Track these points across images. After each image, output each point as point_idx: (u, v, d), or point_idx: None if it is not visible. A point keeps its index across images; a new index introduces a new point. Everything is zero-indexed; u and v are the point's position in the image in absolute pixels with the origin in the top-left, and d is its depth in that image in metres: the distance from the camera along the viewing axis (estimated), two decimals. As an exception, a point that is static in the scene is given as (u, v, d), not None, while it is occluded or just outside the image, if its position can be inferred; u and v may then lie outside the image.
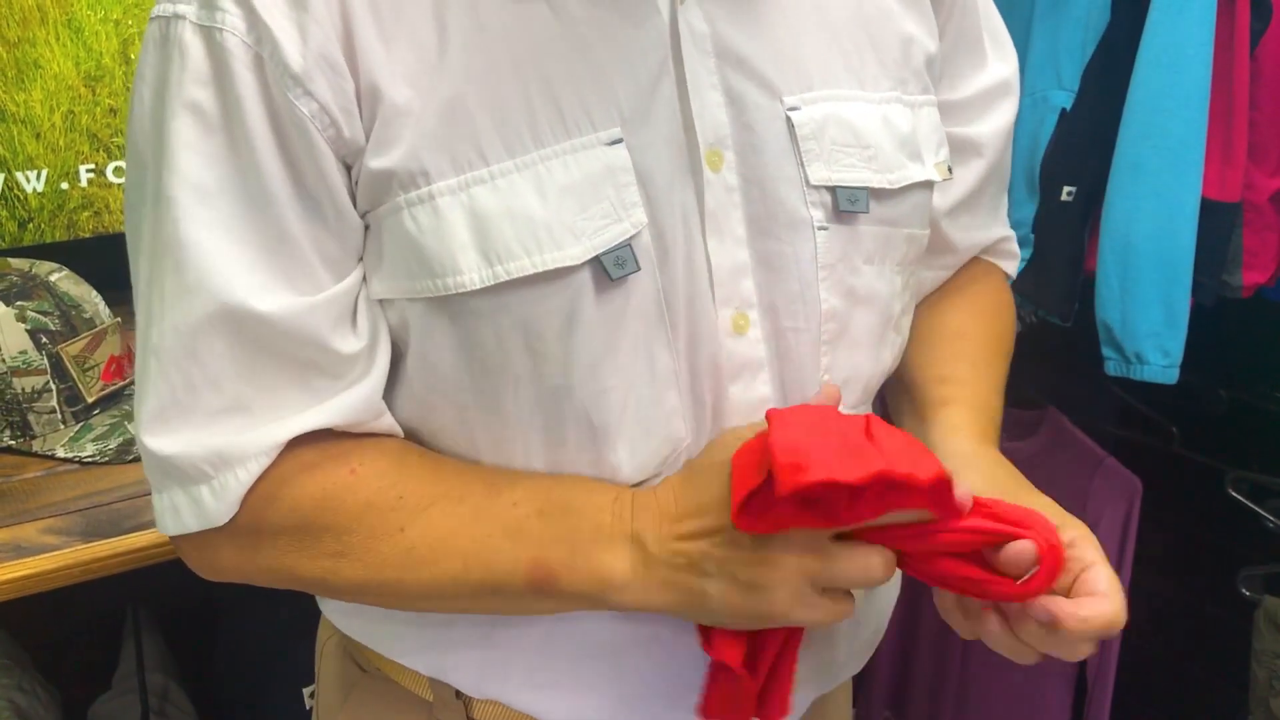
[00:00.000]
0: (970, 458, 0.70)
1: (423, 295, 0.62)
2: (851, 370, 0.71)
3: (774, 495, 0.54)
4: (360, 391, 0.63)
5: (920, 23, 0.74)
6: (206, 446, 0.61)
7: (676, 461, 0.67)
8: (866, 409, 0.75)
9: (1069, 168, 1.45)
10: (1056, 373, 1.68)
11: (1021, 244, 1.52)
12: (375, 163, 0.60)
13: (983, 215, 0.85)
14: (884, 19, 0.71)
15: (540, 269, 0.60)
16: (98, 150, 1.48)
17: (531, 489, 0.64)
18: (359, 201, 0.62)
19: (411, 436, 0.68)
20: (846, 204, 0.68)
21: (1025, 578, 0.58)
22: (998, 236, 0.87)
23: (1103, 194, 1.39)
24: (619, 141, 0.62)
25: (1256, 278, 1.42)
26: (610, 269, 0.61)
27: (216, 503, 0.62)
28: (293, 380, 0.62)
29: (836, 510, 0.57)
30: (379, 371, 0.64)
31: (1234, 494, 1.46)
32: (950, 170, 0.75)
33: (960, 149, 0.80)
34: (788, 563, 0.59)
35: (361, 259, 0.64)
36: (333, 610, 0.78)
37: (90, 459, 1.16)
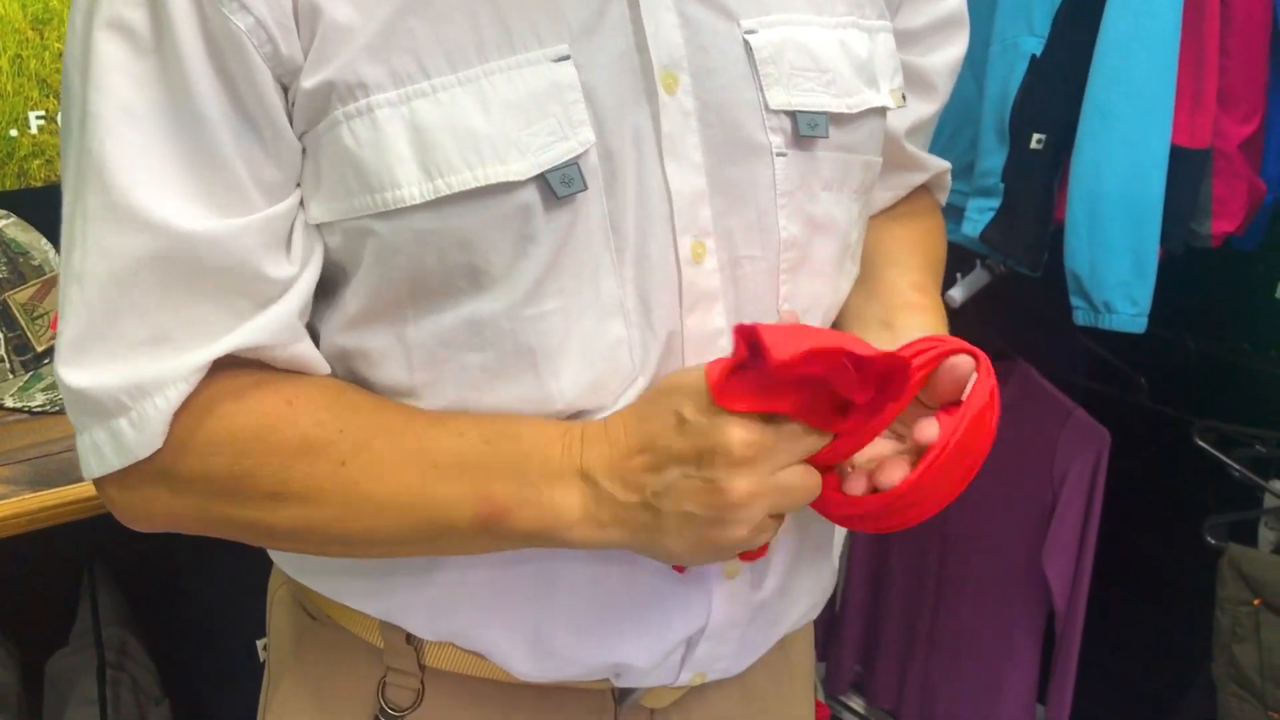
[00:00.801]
0: None
1: (362, 213, 0.60)
2: (811, 300, 0.69)
3: (766, 365, 0.53)
4: (281, 310, 0.61)
5: None
6: (124, 376, 0.58)
7: (627, 397, 0.65)
8: None
9: (1039, 115, 1.43)
10: (1025, 324, 1.67)
11: (990, 193, 1.51)
12: (312, 79, 0.58)
13: (927, 145, 0.85)
14: None
15: (482, 183, 0.58)
16: (48, 96, 1.44)
17: (477, 419, 0.62)
18: (296, 122, 0.60)
19: (348, 361, 0.66)
20: (807, 129, 0.66)
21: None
22: (946, 165, 0.88)
23: (1072, 141, 1.38)
24: (566, 58, 0.60)
25: (1225, 226, 1.41)
26: (556, 186, 0.59)
27: (137, 434, 0.59)
28: (218, 305, 0.59)
29: (818, 400, 0.56)
30: (301, 292, 0.62)
31: (1201, 443, 1.46)
32: (904, 98, 0.74)
33: (913, 81, 0.79)
34: (745, 489, 0.57)
35: (300, 183, 0.62)
36: (282, 557, 0.76)
37: (40, 408, 1.13)
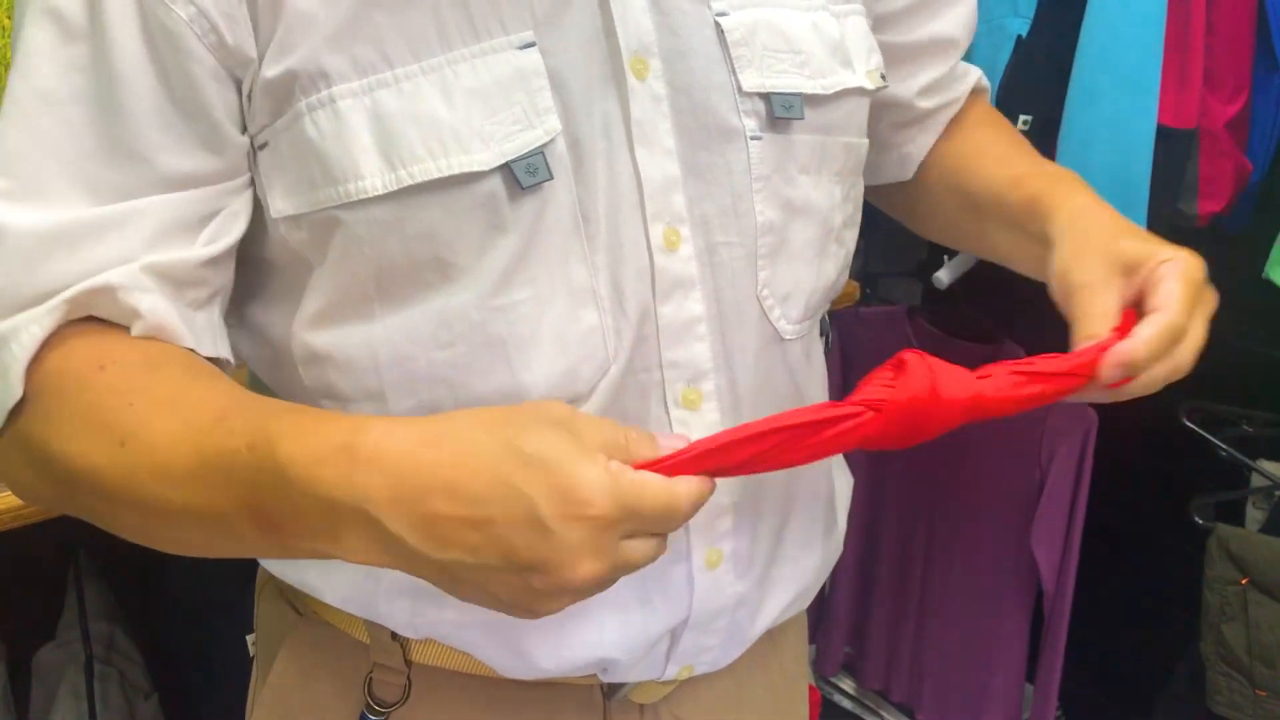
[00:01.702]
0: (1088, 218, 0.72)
1: (327, 205, 0.59)
2: (792, 285, 0.69)
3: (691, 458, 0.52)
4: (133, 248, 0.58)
5: None
6: None
7: (604, 385, 0.64)
8: (813, 325, 0.74)
9: (1026, 96, 1.43)
10: (1012, 305, 1.67)
11: (978, 175, 1.51)
12: (275, 69, 0.57)
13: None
14: None
15: (445, 173, 0.58)
16: None
17: (250, 414, 0.54)
18: (258, 115, 0.59)
19: (317, 366, 0.64)
20: (781, 110, 0.65)
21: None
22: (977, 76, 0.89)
23: (1059, 123, 1.38)
24: (531, 45, 0.59)
25: (1212, 206, 1.41)
26: (521, 176, 0.59)
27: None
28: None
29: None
30: (189, 260, 0.59)
31: (1188, 423, 1.46)
32: (883, 78, 0.73)
33: (924, 49, 0.81)
34: (585, 575, 0.49)
35: (251, 176, 0.61)
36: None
37: (23, 403, 1.12)
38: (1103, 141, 1.34)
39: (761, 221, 0.66)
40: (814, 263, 0.70)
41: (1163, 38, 1.31)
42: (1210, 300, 0.67)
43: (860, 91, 0.71)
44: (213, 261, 0.60)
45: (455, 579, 0.51)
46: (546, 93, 0.59)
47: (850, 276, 0.83)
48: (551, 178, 0.59)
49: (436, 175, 0.58)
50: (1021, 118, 1.43)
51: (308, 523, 0.51)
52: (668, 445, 0.53)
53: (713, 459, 0.53)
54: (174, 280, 0.59)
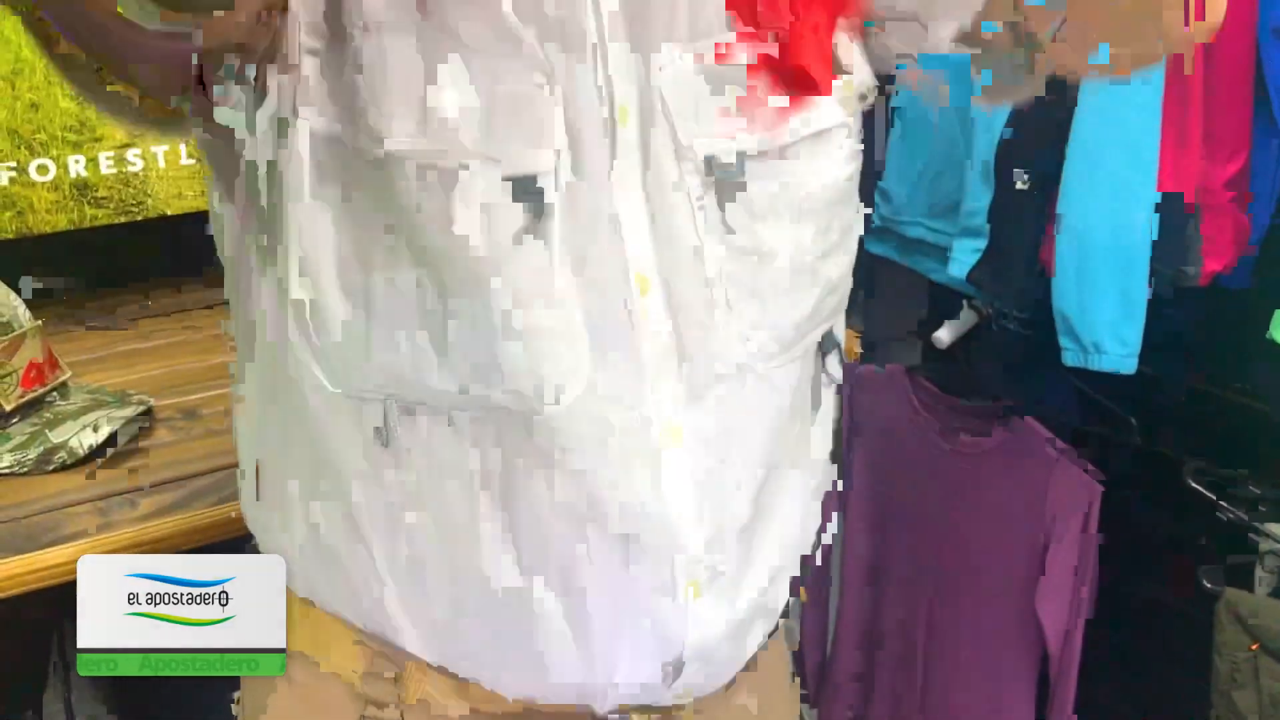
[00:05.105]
0: None
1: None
2: (760, 320, 0.69)
3: None
4: None
5: None
6: None
7: (574, 415, 0.65)
8: (795, 362, 0.73)
9: (1024, 154, 1.43)
10: (1014, 367, 1.66)
11: (977, 233, 1.50)
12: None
13: None
14: None
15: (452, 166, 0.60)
16: (19, 147, 1.41)
17: None
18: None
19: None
20: (721, 171, 0.66)
21: None
22: None
23: (1058, 182, 1.37)
24: (552, 82, 0.63)
25: (1214, 265, 1.40)
26: (526, 192, 0.61)
27: None
28: None
29: None
30: None
31: (1194, 485, 1.44)
32: (864, 98, 0.72)
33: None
34: None
35: None
36: (294, 572, 0.75)
37: (7, 470, 1.10)
38: (1102, 203, 1.34)
39: (713, 268, 0.67)
40: (785, 300, 0.70)
41: (1161, 100, 1.31)
42: None
43: (835, 128, 0.70)
44: None
45: None
46: (559, 120, 0.62)
47: (848, 327, 0.81)
48: (554, 197, 0.62)
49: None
50: (1020, 177, 1.43)
51: None
52: None
53: None
54: None
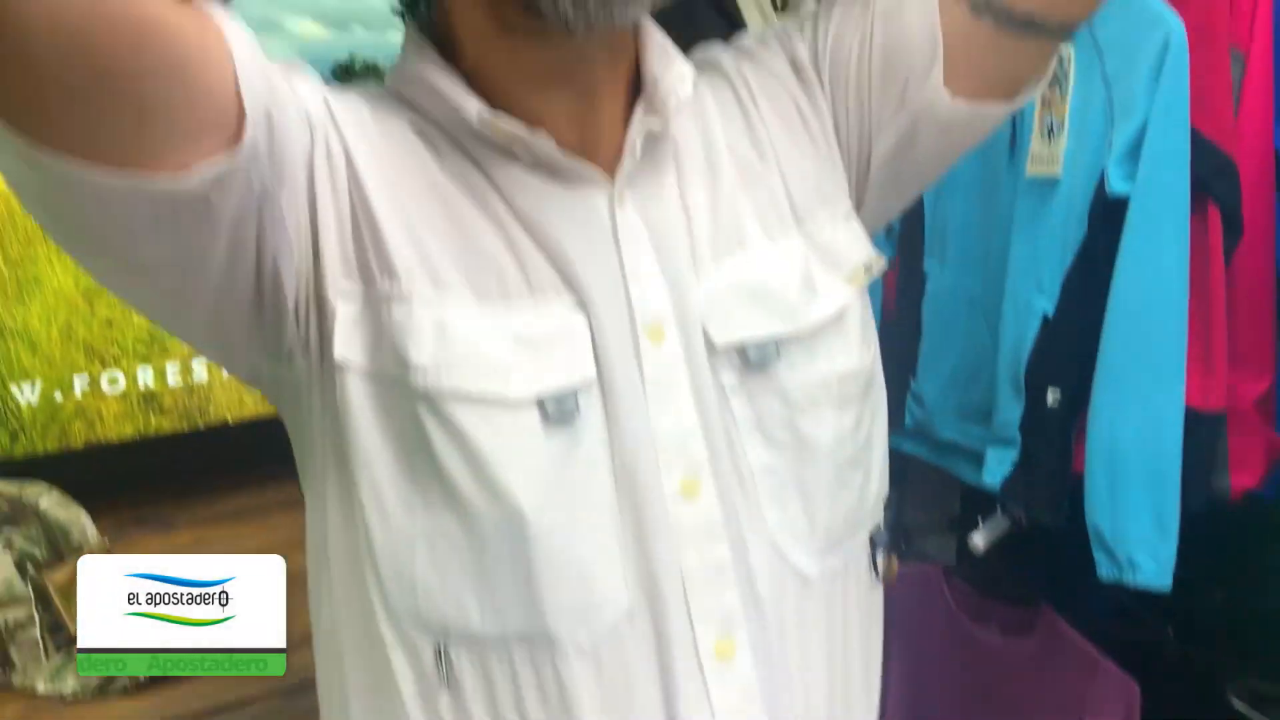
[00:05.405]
0: None
1: (386, 373, 0.63)
2: (808, 516, 0.70)
3: None
4: None
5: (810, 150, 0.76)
6: None
7: (621, 638, 0.65)
8: (849, 559, 0.74)
9: (1054, 371, 1.46)
10: (1050, 569, 1.66)
11: (1009, 444, 1.53)
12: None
13: None
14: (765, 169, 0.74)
15: (482, 397, 0.62)
16: (93, 361, 1.49)
17: None
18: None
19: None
20: (757, 358, 0.69)
21: None
22: None
23: (1088, 397, 1.40)
24: (582, 307, 0.66)
25: (1245, 481, 1.42)
26: (551, 411, 0.63)
27: None
28: None
29: None
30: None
31: (1235, 702, 1.43)
32: (867, 271, 0.75)
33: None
34: None
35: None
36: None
37: (73, 694, 1.13)
38: (1132, 424, 1.36)
39: (758, 466, 0.69)
40: (829, 495, 0.71)
41: (1186, 323, 1.35)
42: None
43: (843, 310, 0.72)
44: None
45: None
46: (589, 349, 0.65)
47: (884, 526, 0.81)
48: (579, 412, 0.64)
49: (476, 393, 0.63)
50: (1051, 393, 1.46)
51: None
52: None
53: None
54: None
